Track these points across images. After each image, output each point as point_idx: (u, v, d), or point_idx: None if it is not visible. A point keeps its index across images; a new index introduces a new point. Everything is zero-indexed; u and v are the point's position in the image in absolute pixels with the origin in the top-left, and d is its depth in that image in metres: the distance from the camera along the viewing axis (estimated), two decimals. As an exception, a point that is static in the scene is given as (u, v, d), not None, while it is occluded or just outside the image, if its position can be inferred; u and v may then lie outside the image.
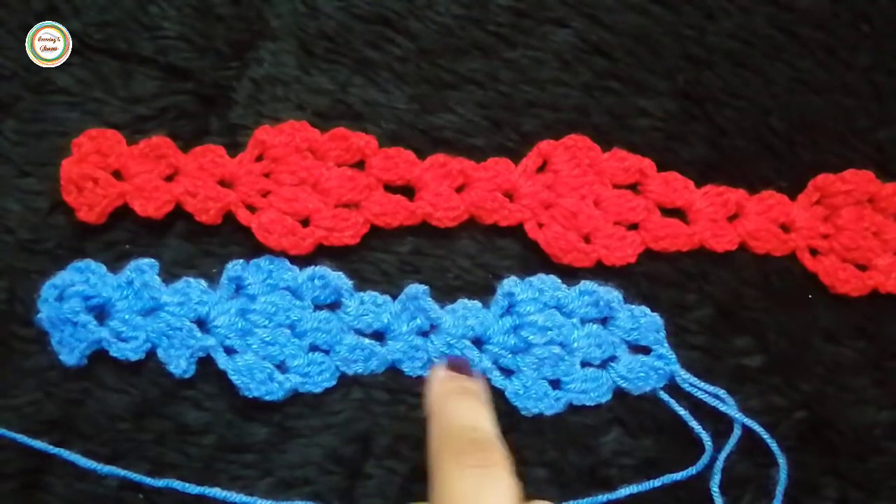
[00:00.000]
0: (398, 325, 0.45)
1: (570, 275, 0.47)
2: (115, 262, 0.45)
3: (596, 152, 0.48)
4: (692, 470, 0.45)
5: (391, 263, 0.47)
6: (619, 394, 0.46)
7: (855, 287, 0.48)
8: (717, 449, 0.46)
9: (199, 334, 0.44)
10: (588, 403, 0.46)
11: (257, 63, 0.48)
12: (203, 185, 0.45)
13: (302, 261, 0.46)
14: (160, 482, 0.43)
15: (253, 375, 0.44)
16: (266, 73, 0.48)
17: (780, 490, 0.45)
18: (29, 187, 0.46)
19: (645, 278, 0.48)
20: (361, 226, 0.46)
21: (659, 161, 0.48)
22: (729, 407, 0.46)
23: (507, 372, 0.46)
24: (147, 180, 0.45)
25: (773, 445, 0.46)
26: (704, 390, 0.46)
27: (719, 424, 0.46)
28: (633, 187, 0.48)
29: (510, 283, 0.46)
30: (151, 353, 0.44)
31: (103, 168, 0.45)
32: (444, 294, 0.46)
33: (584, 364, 0.46)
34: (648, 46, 0.50)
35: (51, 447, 0.43)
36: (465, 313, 0.45)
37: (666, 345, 0.46)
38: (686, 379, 0.46)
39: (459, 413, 0.40)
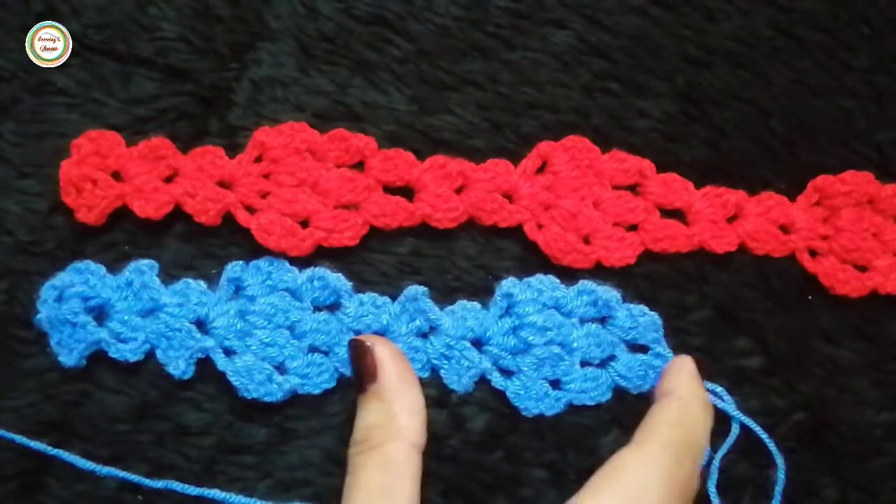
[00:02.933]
0: (397, 326, 0.45)
1: (569, 276, 0.47)
2: (114, 263, 0.45)
3: (595, 153, 0.48)
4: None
5: (390, 264, 0.47)
6: (619, 394, 0.46)
7: (854, 288, 0.48)
8: (716, 449, 0.45)
9: (198, 335, 0.44)
10: (588, 403, 0.46)
11: (256, 64, 0.48)
12: (202, 187, 0.45)
13: (301, 262, 0.46)
14: (159, 483, 0.43)
15: (252, 377, 0.44)
16: (265, 75, 0.48)
17: (778, 490, 0.45)
18: (28, 189, 0.46)
19: (644, 279, 0.48)
20: (361, 227, 0.46)
21: (658, 162, 0.48)
22: (726, 404, 0.46)
23: (507, 373, 0.46)
24: (146, 181, 0.45)
25: (771, 444, 0.46)
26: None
27: (720, 425, 0.46)
28: (633, 188, 0.48)
29: (509, 284, 0.46)
30: (151, 355, 0.44)
31: (102, 169, 0.45)
32: (444, 295, 0.46)
33: (584, 364, 0.46)
34: (648, 48, 0.50)
35: (50, 448, 0.43)
36: (465, 314, 0.45)
37: (664, 343, 0.46)
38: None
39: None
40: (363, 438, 0.40)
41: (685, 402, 0.42)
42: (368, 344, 0.42)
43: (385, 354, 0.41)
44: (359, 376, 0.42)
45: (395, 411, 0.40)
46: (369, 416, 0.40)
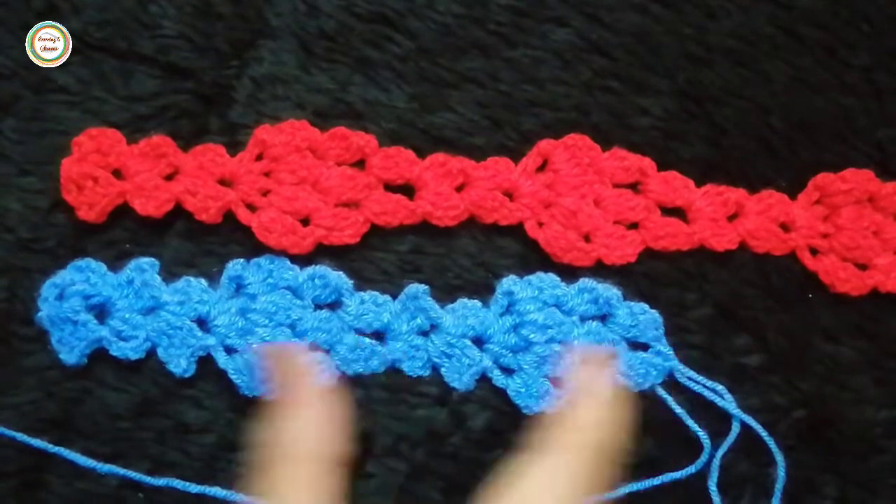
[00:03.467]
0: (398, 324, 0.45)
1: (570, 274, 0.47)
2: (115, 261, 0.45)
3: (596, 151, 0.48)
4: (691, 469, 0.45)
5: (391, 262, 0.47)
6: (620, 393, 0.46)
7: (855, 286, 0.48)
8: (717, 448, 0.46)
9: (199, 333, 0.44)
10: (589, 401, 0.46)
11: (257, 62, 0.48)
12: (203, 184, 0.45)
13: (302, 260, 0.46)
14: (160, 481, 0.43)
15: (253, 374, 0.44)
16: (266, 72, 0.48)
17: (778, 487, 0.46)
18: (29, 186, 0.46)
19: (645, 277, 0.48)
20: (361, 225, 0.46)
21: (659, 160, 0.48)
22: (727, 402, 0.46)
23: (508, 371, 0.46)
24: (147, 179, 0.45)
25: (771, 442, 0.46)
26: (703, 385, 0.46)
27: (721, 424, 0.46)
28: (633, 186, 0.48)
29: (509, 282, 0.46)
30: (152, 352, 0.44)
31: (103, 167, 0.45)
32: (445, 293, 0.46)
33: (585, 362, 0.46)
34: (648, 45, 0.50)
35: (51, 446, 0.43)
36: (466, 313, 0.46)
37: (664, 341, 0.46)
38: (685, 373, 0.46)
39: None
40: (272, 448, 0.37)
41: (591, 400, 0.38)
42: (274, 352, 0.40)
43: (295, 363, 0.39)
44: (268, 385, 0.39)
45: (291, 426, 0.37)
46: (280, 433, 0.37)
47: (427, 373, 0.46)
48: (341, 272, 0.46)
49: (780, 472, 0.46)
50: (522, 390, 0.45)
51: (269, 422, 0.37)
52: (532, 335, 0.45)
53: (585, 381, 0.39)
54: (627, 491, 0.45)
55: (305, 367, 0.40)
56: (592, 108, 0.49)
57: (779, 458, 0.46)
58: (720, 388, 0.46)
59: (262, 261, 0.45)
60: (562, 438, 0.37)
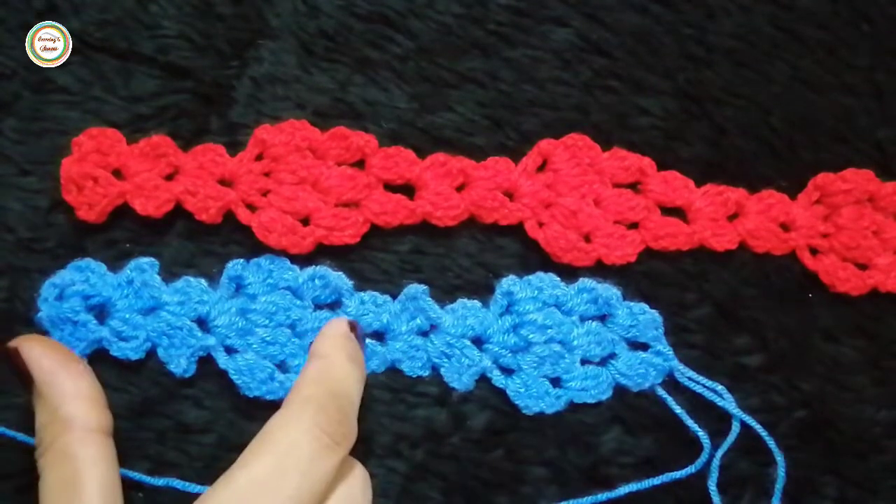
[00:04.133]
0: (398, 324, 0.45)
1: (569, 274, 0.47)
2: (115, 261, 0.45)
3: (596, 151, 0.48)
4: (691, 468, 0.45)
5: (391, 262, 0.47)
6: (619, 392, 0.46)
7: (855, 286, 0.48)
8: (717, 447, 0.46)
9: (199, 334, 0.44)
10: (588, 401, 0.46)
11: (257, 62, 0.48)
12: (203, 184, 0.45)
13: (302, 260, 0.46)
14: (160, 481, 0.43)
15: (253, 375, 0.44)
16: (266, 72, 0.48)
17: (778, 487, 0.46)
18: (29, 186, 0.46)
19: (645, 277, 0.48)
20: (361, 225, 0.46)
21: (659, 160, 0.48)
22: (727, 402, 0.46)
23: (508, 371, 0.46)
24: (147, 179, 0.45)
25: (771, 442, 0.46)
26: (703, 385, 0.46)
27: (721, 424, 0.46)
28: (633, 186, 0.48)
29: (509, 282, 0.46)
30: (152, 353, 0.44)
31: (103, 167, 0.45)
32: (445, 293, 0.47)
33: (584, 362, 0.46)
34: (648, 45, 0.50)
35: (51, 446, 0.43)
36: (465, 313, 0.46)
37: (664, 341, 0.46)
38: (685, 373, 0.46)
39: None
40: (38, 442, 0.38)
41: (327, 358, 0.40)
42: (13, 346, 0.39)
43: (32, 350, 0.39)
44: (21, 382, 0.40)
45: (56, 404, 0.38)
46: (38, 417, 0.39)
47: (427, 373, 0.46)
48: (341, 272, 0.46)
49: (780, 472, 0.46)
50: (522, 390, 0.45)
51: (42, 402, 0.39)
52: (532, 335, 0.45)
53: (329, 344, 0.41)
54: (627, 491, 0.45)
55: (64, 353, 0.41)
56: (592, 107, 0.49)
57: (779, 458, 0.46)
58: (720, 388, 0.46)
59: (262, 261, 0.45)
60: (301, 392, 0.39)
